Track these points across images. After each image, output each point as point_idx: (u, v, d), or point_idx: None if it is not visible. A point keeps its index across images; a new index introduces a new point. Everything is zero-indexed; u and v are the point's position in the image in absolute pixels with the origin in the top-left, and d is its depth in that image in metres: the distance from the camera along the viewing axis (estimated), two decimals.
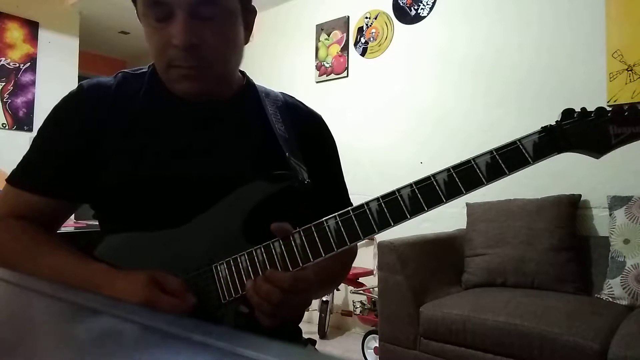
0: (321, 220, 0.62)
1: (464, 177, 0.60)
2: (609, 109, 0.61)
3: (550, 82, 2.32)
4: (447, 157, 2.73)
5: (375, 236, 3.06)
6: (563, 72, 2.28)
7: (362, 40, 3.10)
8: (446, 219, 2.48)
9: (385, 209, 0.60)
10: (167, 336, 0.24)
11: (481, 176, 0.59)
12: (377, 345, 2.12)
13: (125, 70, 0.79)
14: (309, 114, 0.88)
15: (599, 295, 1.84)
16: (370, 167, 2.92)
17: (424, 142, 2.76)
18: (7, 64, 3.09)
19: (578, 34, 2.24)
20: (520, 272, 1.98)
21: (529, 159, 0.60)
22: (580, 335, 1.45)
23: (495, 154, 0.60)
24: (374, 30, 3.04)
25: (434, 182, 0.60)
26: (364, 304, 2.75)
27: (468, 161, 0.60)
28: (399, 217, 0.60)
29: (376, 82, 3.02)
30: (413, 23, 2.86)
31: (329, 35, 3.28)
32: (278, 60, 3.63)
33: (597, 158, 0.63)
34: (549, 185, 2.20)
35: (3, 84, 3.07)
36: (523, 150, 0.60)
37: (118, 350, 0.23)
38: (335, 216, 0.61)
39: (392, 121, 2.91)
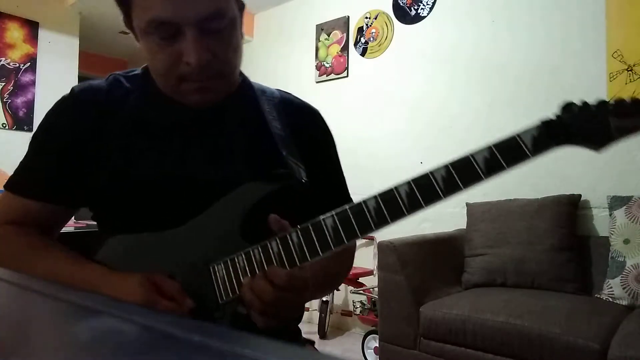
0: (318, 218, 0.61)
1: (462, 172, 0.58)
2: (610, 101, 0.60)
3: (550, 81, 2.32)
4: (447, 157, 2.73)
5: (375, 236, 3.04)
6: (563, 71, 2.28)
7: (362, 40, 3.10)
8: (446, 219, 2.48)
9: (382, 206, 0.59)
10: (167, 337, 0.24)
11: (479, 172, 0.58)
12: (377, 345, 2.12)
13: (117, 72, 0.78)
14: (306, 110, 0.87)
15: (599, 295, 1.84)
16: (370, 168, 2.92)
17: (424, 141, 2.76)
18: (7, 64, 3.09)
19: (578, 34, 2.24)
20: (520, 272, 1.98)
21: (528, 153, 0.58)
22: (580, 335, 1.45)
23: (493, 148, 0.59)
24: (374, 30, 3.04)
25: (432, 179, 0.59)
26: (364, 304, 2.75)
27: (466, 157, 0.59)
28: (397, 215, 0.59)
29: (376, 82, 3.02)
30: (413, 23, 2.86)
31: (329, 35, 3.28)
32: (278, 60, 3.63)
33: (598, 151, 0.61)
34: (549, 185, 2.20)
35: (3, 84, 3.07)
36: (522, 143, 0.58)
37: (118, 350, 0.23)
38: (332, 214, 0.60)
39: (393, 121, 2.91)
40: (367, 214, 0.59)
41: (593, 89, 2.17)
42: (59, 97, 0.76)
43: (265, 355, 0.20)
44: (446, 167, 0.59)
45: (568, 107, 0.61)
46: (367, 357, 2.39)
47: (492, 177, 0.58)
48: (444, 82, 2.71)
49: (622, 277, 1.77)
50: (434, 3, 2.76)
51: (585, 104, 0.61)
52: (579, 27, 2.24)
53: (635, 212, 1.83)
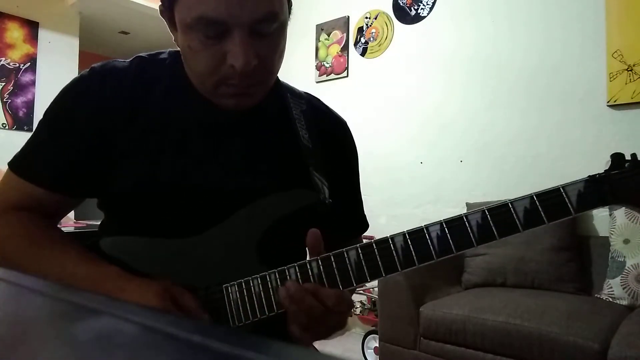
0: (341, 250, 0.59)
1: (499, 221, 0.56)
2: None
3: (550, 82, 2.32)
4: (447, 157, 2.74)
5: (374, 235, 3.06)
6: (563, 71, 2.28)
7: (362, 40, 3.10)
8: None
9: (410, 246, 0.56)
10: (167, 337, 0.24)
11: (517, 222, 0.55)
12: (377, 345, 2.12)
13: (142, 54, 0.72)
14: (334, 122, 0.84)
15: (599, 295, 1.84)
16: (369, 167, 2.92)
17: (424, 141, 2.76)
18: (7, 64, 3.09)
19: (578, 34, 2.24)
20: (520, 272, 1.98)
21: (571, 210, 0.55)
22: (580, 335, 1.45)
23: (535, 199, 0.56)
24: (374, 30, 3.04)
25: (466, 223, 0.56)
26: (364, 304, 2.75)
27: (505, 204, 0.56)
28: (425, 257, 0.56)
29: (376, 82, 3.02)
30: (413, 23, 2.86)
31: (329, 35, 3.28)
32: None
33: None
34: (548, 185, 2.20)
35: (3, 84, 3.07)
36: (566, 198, 0.56)
37: (118, 350, 0.23)
38: (356, 247, 0.58)
39: (392, 121, 2.91)
40: (394, 252, 0.57)
41: (593, 89, 2.17)
42: None
43: (265, 356, 0.20)
44: (482, 212, 0.56)
45: (617, 161, 0.56)
46: (367, 357, 2.39)
47: (529, 229, 0.56)
48: (443, 82, 2.71)
49: (622, 277, 1.77)
50: (434, 3, 2.76)
51: (636, 160, 0.55)
52: (579, 27, 2.24)
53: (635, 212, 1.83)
